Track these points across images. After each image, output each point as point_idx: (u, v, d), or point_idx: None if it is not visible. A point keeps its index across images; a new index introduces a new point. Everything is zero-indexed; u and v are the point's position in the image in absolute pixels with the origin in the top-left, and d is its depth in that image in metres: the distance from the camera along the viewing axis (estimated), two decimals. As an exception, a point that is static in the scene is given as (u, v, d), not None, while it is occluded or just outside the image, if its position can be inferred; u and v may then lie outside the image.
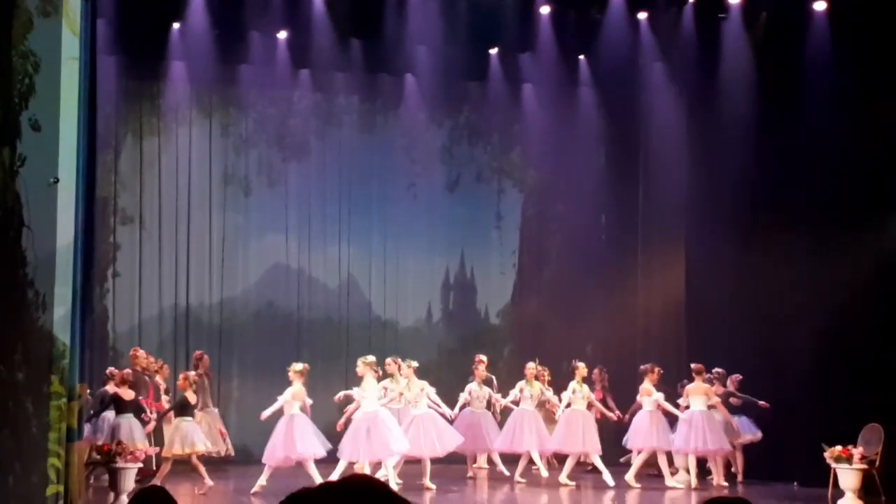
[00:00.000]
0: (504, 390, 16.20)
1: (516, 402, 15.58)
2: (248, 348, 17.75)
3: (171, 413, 13.95)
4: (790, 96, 15.45)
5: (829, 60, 14.93)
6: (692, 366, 15.08)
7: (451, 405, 15.12)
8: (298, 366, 13.91)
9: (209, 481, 13.53)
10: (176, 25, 16.65)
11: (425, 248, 18.93)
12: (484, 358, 16.57)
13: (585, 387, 15.30)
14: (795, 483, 14.63)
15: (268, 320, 18.25)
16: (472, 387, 15.73)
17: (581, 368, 15.26)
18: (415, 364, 14.64)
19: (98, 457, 12.67)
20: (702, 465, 15.18)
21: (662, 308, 18.29)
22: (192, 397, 13.80)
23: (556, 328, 18.54)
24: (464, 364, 17.55)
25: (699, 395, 14.77)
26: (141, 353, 15.27)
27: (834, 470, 13.13)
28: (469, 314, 19.17)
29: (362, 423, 13.71)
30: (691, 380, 15.09)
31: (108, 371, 14.33)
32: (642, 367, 15.29)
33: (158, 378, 15.17)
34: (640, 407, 15.14)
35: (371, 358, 14.16)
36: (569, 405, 15.16)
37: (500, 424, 15.79)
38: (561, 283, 19.10)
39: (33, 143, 10.02)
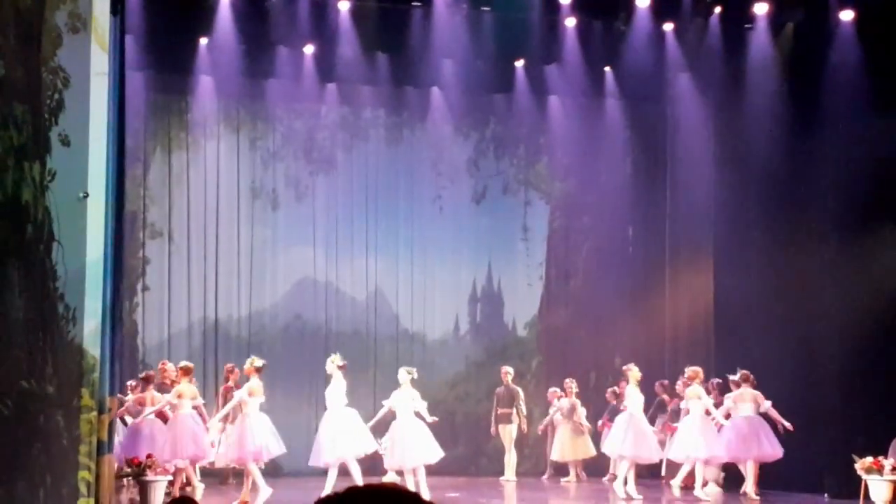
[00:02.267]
0: (533, 402, 16.04)
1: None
2: (277, 361, 17.69)
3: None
4: (817, 105, 15.37)
5: (857, 68, 14.86)
6: (741, 372, 14.76)
7: (477, 418, 15.04)
8: (339, 360, 13.98)
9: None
10: (203, 41, 16.74)
11: (452, 261, 18.93)
12: (510, 369, 16.66)
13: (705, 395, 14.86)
14: (826, 494, 14.50)
15: (296, 333, 18.31)
16: (630, 390, 14.90)
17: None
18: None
19: (128, 469, 12.73)
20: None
21: (690, 319, 18.22)
22: None
23: (584, 340, 18.52)
24: (491, 376, 17.58)
25: (747, 402, 14.64)
26: (170, 366, 15.34)
27: (865, 481, 13.02)
28: (496, 326, 19.15)
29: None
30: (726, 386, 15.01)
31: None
32: (624, 367, 15.07)
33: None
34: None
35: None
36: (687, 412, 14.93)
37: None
38: (588, 295, 19.07)
39: (63, 158, 10.09)
